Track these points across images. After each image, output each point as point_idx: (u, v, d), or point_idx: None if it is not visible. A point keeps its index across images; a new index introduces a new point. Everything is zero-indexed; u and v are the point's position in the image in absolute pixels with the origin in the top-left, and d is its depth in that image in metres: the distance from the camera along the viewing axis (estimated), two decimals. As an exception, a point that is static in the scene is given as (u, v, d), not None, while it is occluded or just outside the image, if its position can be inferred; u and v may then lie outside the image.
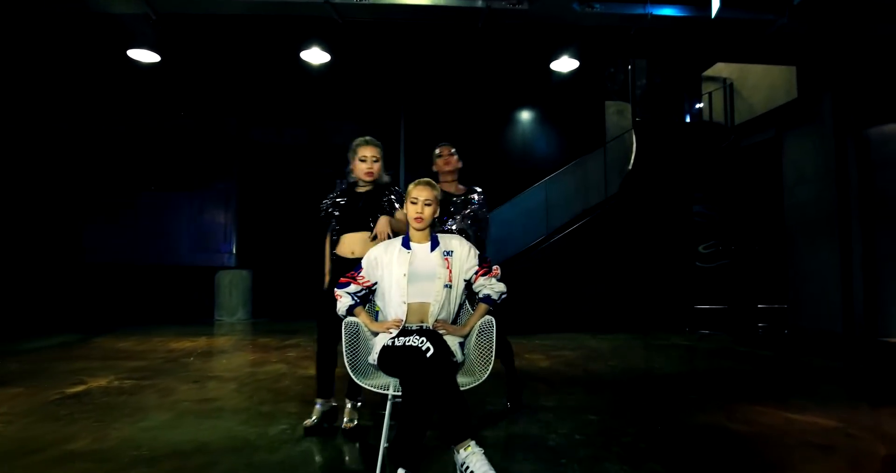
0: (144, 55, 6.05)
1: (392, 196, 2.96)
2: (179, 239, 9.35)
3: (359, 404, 2.99)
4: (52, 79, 8.07)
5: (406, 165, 8.86)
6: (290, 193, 9.51)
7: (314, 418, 2.90)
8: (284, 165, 9.73)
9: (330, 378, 2.98)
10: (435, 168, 3.34)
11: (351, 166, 2.98)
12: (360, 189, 2.98)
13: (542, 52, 6.30)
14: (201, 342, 6.34)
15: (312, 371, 3.06)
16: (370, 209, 2.89)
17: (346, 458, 2.61)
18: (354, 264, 2.60)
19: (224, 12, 4.92)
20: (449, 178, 3.32)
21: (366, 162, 2.91)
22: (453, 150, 3.33)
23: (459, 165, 3.33)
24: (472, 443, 1.98)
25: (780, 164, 7.62)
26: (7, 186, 9.34)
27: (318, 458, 2.56)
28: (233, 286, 9.02)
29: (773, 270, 7.98)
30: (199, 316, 9.13)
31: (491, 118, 8.75)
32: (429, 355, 2.10)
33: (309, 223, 3.11)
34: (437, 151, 3.36)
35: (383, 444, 2.23)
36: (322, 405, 2.95)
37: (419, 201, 2.46)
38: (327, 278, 2.97)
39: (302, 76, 7.44)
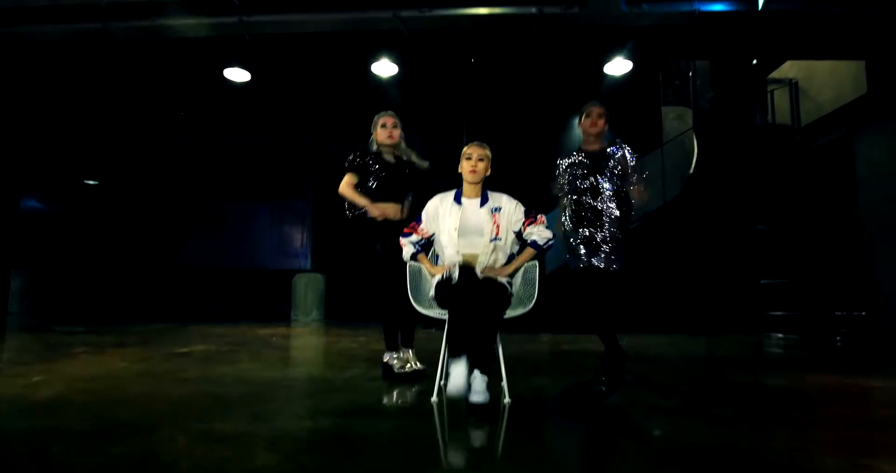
0: (238, 74, 6.93)
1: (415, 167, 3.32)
2: (261, 245, 10.25)
3: (411, 353, 3.20)
4: (153, 101, 9.13)
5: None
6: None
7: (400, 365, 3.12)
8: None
9: (394, 332, 3.18)
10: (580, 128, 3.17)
11: (373, 136, 3.34)
12: (387, 157, 3.27)
13: (596, 55, 6.59)
14: (282, 331, 6.95)
15: (383, 347, 3.23)
16: (402, 184, 3.26)
17: (414, 388, 2.97)
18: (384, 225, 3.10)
19: (304, 31, 5.63)
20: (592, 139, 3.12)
21: (386, 128, 3.30)
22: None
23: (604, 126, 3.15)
24: (477, 372, 2.23)
25: (852, 163, 7.38)
26: (115, 198, 10.74)
27: (387, 386, 2.95)
28: (308, 288, 9.69)
29: (849, 274, 7.65)
30: (277, 316, 9.85)
31: (548, 124, 9.05)
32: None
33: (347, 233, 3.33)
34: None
35: (442, 358, 2.56)
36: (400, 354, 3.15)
37: (473, 156, 2.83)
38: (366, 203, 3.12)
39: (371, 91, 7.98)
